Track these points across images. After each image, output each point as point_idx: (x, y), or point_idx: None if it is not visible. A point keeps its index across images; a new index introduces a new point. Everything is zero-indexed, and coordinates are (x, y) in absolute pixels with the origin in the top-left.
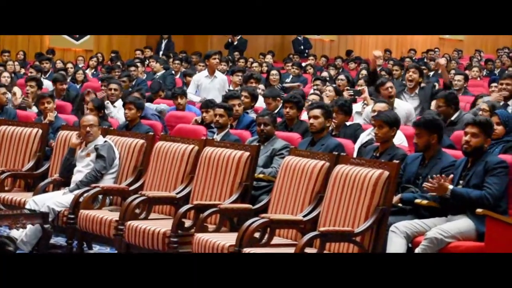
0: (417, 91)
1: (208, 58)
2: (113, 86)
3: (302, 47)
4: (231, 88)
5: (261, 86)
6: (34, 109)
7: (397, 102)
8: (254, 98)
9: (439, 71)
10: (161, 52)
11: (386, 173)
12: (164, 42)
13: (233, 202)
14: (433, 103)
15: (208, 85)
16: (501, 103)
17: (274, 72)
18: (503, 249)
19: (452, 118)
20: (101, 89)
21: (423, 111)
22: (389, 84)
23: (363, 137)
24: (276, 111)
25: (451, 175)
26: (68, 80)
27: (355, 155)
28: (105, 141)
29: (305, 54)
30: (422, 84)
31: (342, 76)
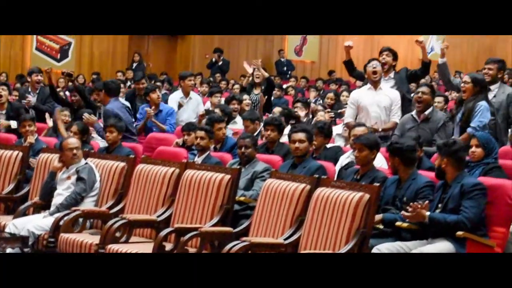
0: (391, 74)
1: (183, 79)
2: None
3: (285, 68)
4: (209, 108)
5: (246, 96)
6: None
7: (383, 84)
8: (226, 115)
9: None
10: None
11: (367, 196)
12: (134, 65)
13: (214, 225)
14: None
15: (184, 106)
16: None
17: (257, 73)
18: None
19: (426, 113)
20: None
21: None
22: (374, 62)
23: (343, 160)
24: (255, 134)
25: (427, 201)
26: None
27: (336, 177)
28: (86, 164)
29: (288, 76)
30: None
31: (331, 94)
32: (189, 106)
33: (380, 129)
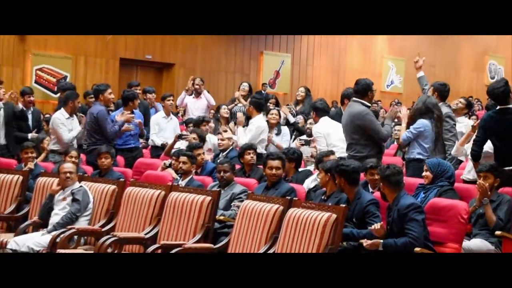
0: None
1: (163, 100)
2: None
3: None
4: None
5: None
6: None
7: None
8: (202, 140)
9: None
10: None
11: (334, 216)
12: None
13: (197, 241)
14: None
15: (165, 125)
16: None
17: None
18: None
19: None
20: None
21: None
22: None
23: (308, 183)
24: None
25: (381, 223)
26: None
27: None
28: (81, 186)
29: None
30: None
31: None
32: (170, 125)
33: None
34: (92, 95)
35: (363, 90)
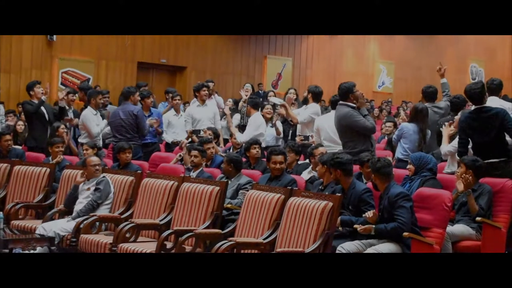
0: None
1: (172, 99)
2: None
3: (261, 99)
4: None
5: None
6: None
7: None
8: (216, 136)
9: None
10: None
11: (330, 204)
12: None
13: (206, 227)
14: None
15: (176, 122)
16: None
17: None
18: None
19: None
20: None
21: None
22: None
23: (305, 175)
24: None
25: (373, 211)
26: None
27: None
28: (103, 177)
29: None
30: None
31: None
32: (181, 121)
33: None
34: (107, 95)
35: (345, 93)
